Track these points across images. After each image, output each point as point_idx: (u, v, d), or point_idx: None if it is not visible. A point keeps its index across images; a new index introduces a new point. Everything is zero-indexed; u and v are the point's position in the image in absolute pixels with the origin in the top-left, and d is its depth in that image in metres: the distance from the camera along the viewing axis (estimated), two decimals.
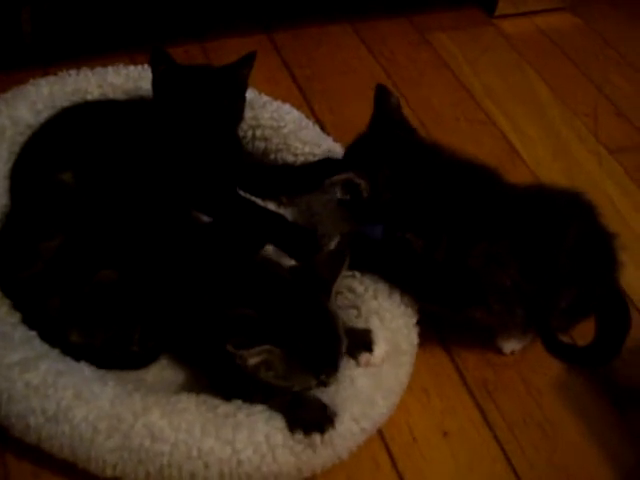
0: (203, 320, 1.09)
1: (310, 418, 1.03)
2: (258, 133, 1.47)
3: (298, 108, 1.53)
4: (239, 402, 1.06)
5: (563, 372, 1.29)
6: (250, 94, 1.42)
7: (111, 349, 1.16)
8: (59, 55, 1.63)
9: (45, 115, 1.38)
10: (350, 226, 1.28)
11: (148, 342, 1.18)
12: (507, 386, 1.26)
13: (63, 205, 1.22)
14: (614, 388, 1.27)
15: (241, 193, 1.39)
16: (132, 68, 1.51)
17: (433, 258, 1.17)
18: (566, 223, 1.20)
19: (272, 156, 1.46)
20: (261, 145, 1.47)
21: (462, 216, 1.18)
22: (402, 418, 1.19)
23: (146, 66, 1.47)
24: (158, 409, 1.03)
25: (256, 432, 1.02)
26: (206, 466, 1.01)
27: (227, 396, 1.07)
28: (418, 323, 1.22)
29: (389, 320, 1.18)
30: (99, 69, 1.50)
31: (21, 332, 1.12)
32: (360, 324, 1.17)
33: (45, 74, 1.50)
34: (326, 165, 1.38)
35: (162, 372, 1.18)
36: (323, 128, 1.58)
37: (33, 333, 1.13)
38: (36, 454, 1.06)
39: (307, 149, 1.44)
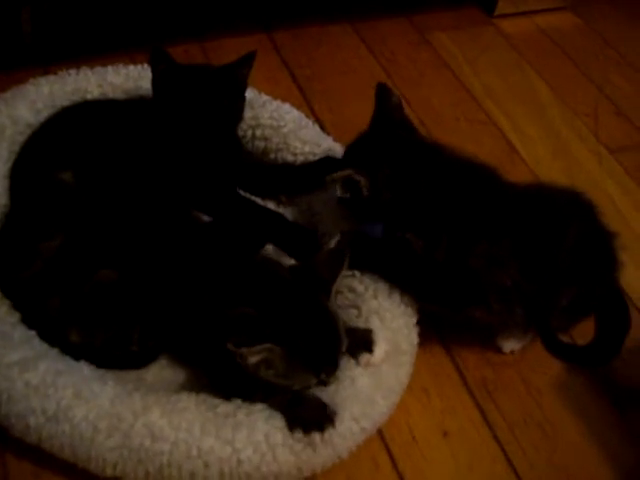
0: (203, 319, 1.09)
1: (310, 417, 1.03)
2: (258, 132, 1.47)
3: (298, 108, 1.53)
4: (239, 401, 1.06)
5: (563, 372, 1.28)
6: (250, 94, 1.42)
7: (111, 349, 1.16)
8: (59, 55, 1.63)
9: (45, 114, 1.38)
10: (350, 225, 1.27)
11: (148, 342, 1.18)
12: (507, 386, 1.26)
13: (63, 205, 1.22)
14: (614, 388, 1.27)
15: (241, 193, 1.39)
16: (132, 68, 1.51)
17: (433, 258, 1.17)
18: (566, 222, 1.20)
19: (272, 155, 1.46)
20: (261, 144, 1.47)
21: (462, 216, 1.17)
22: (402, 418, 1.19)
23: (146, 65, 1.47)
24: (158, 408, 1.03)
25: (256, 431, 1.02)
26: (206, 465, 1.01)
27: (227, 395, 1.07)
28: (418, 323, 1.22)
29: (389, 320, 1.18)
30: (99, 68, 1.50)
31: (20, 332, 1.12)
32: (360, 324, 1.17)
33: (45, 73, 1.50)
34: (326, 164, 1.38)
35: (162, 371, 1.18)
36: (323, 127, 1.58)
37: (32, 333, 1.13)
38: (36, 454, 1.06)
39: (307, 148, 1.44)
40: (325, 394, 1.06)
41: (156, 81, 1.32)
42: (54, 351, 1.11)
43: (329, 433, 1.03)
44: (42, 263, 1.16)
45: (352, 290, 1.22)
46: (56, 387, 1.04)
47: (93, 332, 1.15)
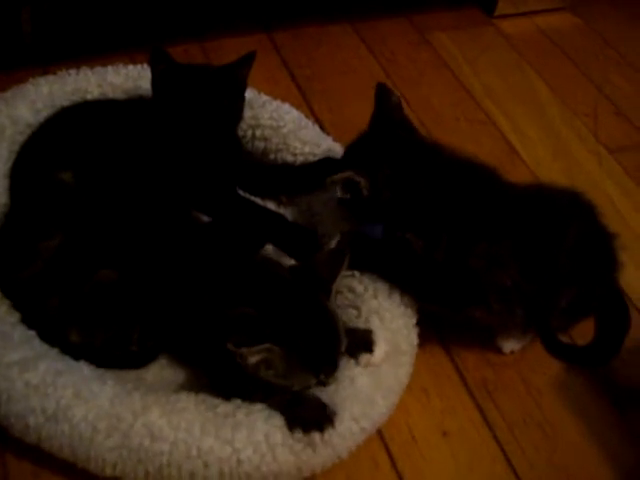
0: (203, 319, 1.09)
1: (309, 417, 1.03)
2: (258, 133, 1.47)
3: (298, 108, 1.53)
4: (238, 401, 1.06)
5: (563, 372, 1.28)
6: (249, 94, 1.42)
7: (110, 348, 1.16)
8: (59, 55, 1.63)
9: (45, 114, 1.38)
10: (350, 226, 1.27)
11: (147, 342, 1.18)
12: (507, 386, 1.26)
13: (63, 204, 1.22)
14: (614, 388, 1.27)
15: (241, 193, 1.39)
16: (132, 67, 1.51)
17: (433, 258, 1.17)
18: (566, 223, 1.20)
19: (272, 156, 1.46)
20: (261, 145, 1.47)
21: (462, 216, 1.17)
22: (402, 418, 1.19)
23: (146, 65, 1.47)
24: (157, 408, 1.03)
25: (255, 431, 1.02)
26: (205, 465, 1.01)
27: (227, 395, 1.07)
28: (418, 323, 1.22)
29: (389, 320, 1.18)
30: (99, 68, 1.50)
31: (20, 331, 1.12)
32: (360, 324, 1.17)
33: (45, 73, 1.50)
34: (326, 165, 1.38)
35: (161, 371, 1.18)
36: (323, 128, 1.58)
37: (32, 332, 1.13)
38: (36, 454, 1.06)
39: (307, 149, 1.44)
40: (325, 394, 1.06)
41: (156, 81, 1.32)
42: (54, 351, 1.11)
43: (329, 433, 1.02)
44: (42, 263, 1.16)
45: (352, 290, 1.22)
46: (56, 387, 1.04)
47: (93, 332, 1.15)
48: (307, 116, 1.53)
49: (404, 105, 1.28)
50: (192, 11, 1.77)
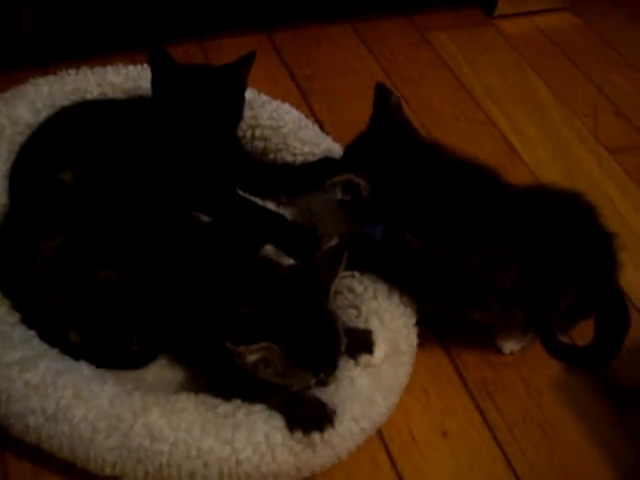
0: (203, 319, 1.09)
1: (309, 417, 1.03)
2: (257, 133, 1.47)
3: (297, 108, 1.53)
4: (238, 401, 1.06)
5: (563, 372, 1.28)
6: (249, 94, 1.42)
7: (110, 348, 1.16)
8: (59, 55, 1.63)
9: (44, 114, 1.38)
10: (350, 226, 1.28)
11: (147, 342, 1.17)
12: (507, 386, 1.26)
13: (63, 204, 1.22)
14: (614, 388, 1.27)
15: (240, 193, 1.39)
16: (131, 67, 1.51)
17: (433, 259, 1.17)
18: (566, 223, 1.20)
19: (271, 156, 1.46)
20: (260, 145, 1.47)
21: (462, 217, 1.17)
22: (401, 418, 1.19)
23: (145, 65, 1.47)
24: (157, 408, 1.03)
25: (255, 431, 1.02)
26: (205, 465, 1.01)
27: (226, 395, 1.07)
28: (417, 323, 1.22)
29: (389, 320, 1.18)
30: (98, 68, 1.50)
31: (20, 331, 1.12)
32: (359, 324, 1.17)
33: (45, 74, 1.50)
34: (325, 165, 1.38)
35: (161, 371, 1.18)
36: (322, 128, 1.58)
37: (32, 332, 1.13)
38: (36, 454, 1.06)
39: (306, 149, 1.43)
40: (324, 394, 1.06)
41: (156, 81, 1.32)
42: (54, 351, 1.11)
43: (328, 433, 1.02)
44: (42, 263, 1.16)
45: (351, 290, 1.22)
46: (56, 387, 1.04)
47: (93, 332, 1.15)
48: (307, 116, 1.53)
49: (404, 105, 1.28)
50: (192, 11, 1.77)
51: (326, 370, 1.02)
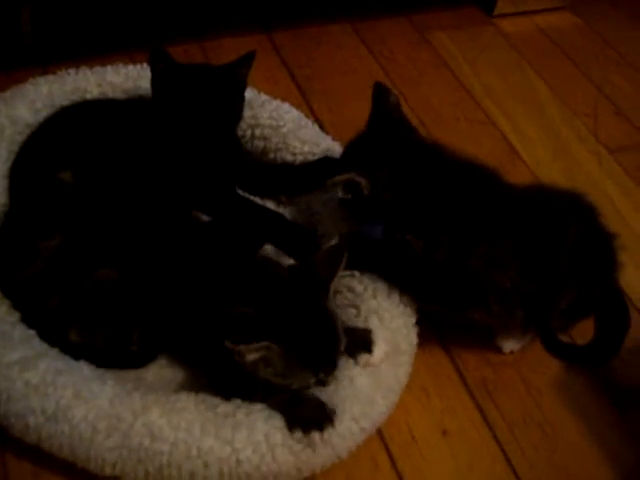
0: (203, 319, 1.09)
1: (309, 416, 1.03)
2: (257, 132, 1.47)
3: (297, 107, 1.53)
4: (238, 401, 1.06)
5: (563, 372, 1.28)
6: (249, 93, 1.42)
7: (110, 348, 1.16)
8: (58, 55, 1.63)
9: (44, 114, 1.38)
10: (350, 226, 1.27)
11: (147, 342, 1.17)
12: (507, 386, 1.26)
13: (62, 204, 1.22)
14: (614, 388, 1.27)
15: (240, 192, 1.39)
16: (131, 67, 1.51)
17: (433, 259, 1.17)
18: (566, 223, 1.20)
19: (271, 155, 1.46)
20: (260, 144, 1.47)
21: (462, 217, 1.17)
22: (401, 418, 1.19)
23: (145, 65, 1.47)
24: (157, 408, 1.03)
25: (255, 431, 1.02)
26: (205, 465, 1.01)
27: (226, 395, 1.07)
28: (417, 323, 1.22)
29: (388, 320, 1.18)
30: (98, 68, 1.50)
31: (20, 331, 1.12)
32: (359, 323, 1.17)
33: (44, 73, 1.50)
34: (325, 164, 1.38)
35: (161, 371, 1.18)
36: (322, 127, 1.58)
37: (32, 332, 1.13)
38: (36, 454, 1.06)
39: (306, 148, 1.43)
40: (324, 394, 1.06)
41: (155, 81, 1.32)
42: (54, 350, 1.11)
43: (328, 433, 1.02)
44: (41, 263, 1.16)
45: (351, 290, 1.22)
46: (56, 386, 1.04)
47: (93, 332, 1.15)
48: (307, 116, 1.53)
49: (404, 105, 1.28)
50: (192, 11, 1.77)
51: (326, 370, 1.02)
